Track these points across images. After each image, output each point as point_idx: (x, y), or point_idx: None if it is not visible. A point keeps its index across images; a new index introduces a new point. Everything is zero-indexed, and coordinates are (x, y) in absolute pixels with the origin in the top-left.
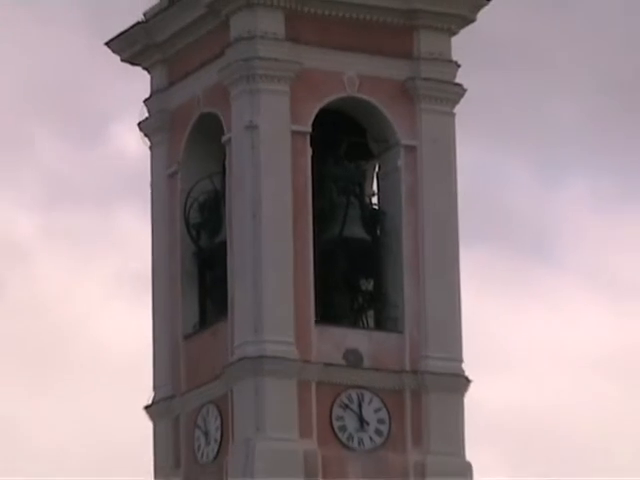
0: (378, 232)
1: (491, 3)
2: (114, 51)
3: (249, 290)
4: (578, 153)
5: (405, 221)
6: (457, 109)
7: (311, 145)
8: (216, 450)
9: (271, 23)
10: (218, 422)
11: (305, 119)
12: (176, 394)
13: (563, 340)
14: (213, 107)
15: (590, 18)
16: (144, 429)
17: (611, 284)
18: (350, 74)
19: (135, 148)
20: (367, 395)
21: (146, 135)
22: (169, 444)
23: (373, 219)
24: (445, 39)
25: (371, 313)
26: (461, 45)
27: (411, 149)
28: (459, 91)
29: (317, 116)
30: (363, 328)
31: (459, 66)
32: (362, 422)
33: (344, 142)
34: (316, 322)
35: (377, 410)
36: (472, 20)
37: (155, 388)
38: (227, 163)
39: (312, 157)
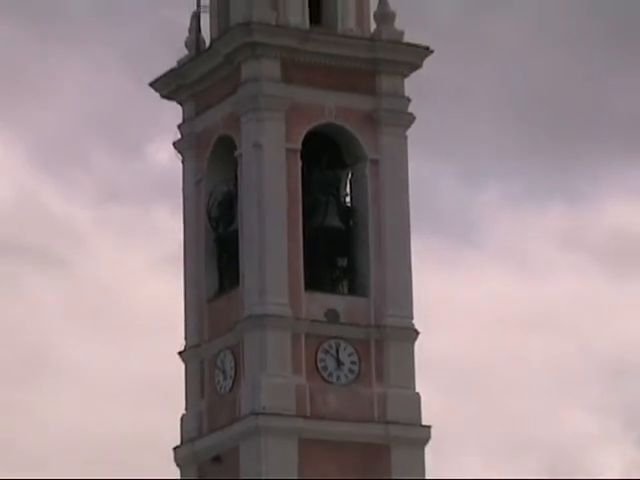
0: (350, 223)
1: (433, 54)
2: (155, 89)
3: (255, 266)
4: (493, 165)
5: (370, 215)
6: (409, 132)
7: (301, 158)
8: (231, 384)
9: (271, 69)
10: (232, 363)
11: (296, 139)
12: (201, 343)
13: (482, 302)
14: (228, 130)
15: (500, 63)
16: (178, 369)
17: (519, 261)
18: (329, 106)
19: (168, 161)
20: (342, 343)
21: (179, 152)
22: (196, 380)
23: (346, 213)
24: (400, 80)
25: (345, 282)
26: (411, 84)
27: (375, 162)
28: (410, 119)
29: (305, 137)
30: (339, 294)
31: (410, 100)
32: (339, 363)
33: (325, 156)
34: (305, 289)
35: (350, 354)
36: (419, 66)
37: (186, 338)
38: (239, 172)
39: (302, 167)
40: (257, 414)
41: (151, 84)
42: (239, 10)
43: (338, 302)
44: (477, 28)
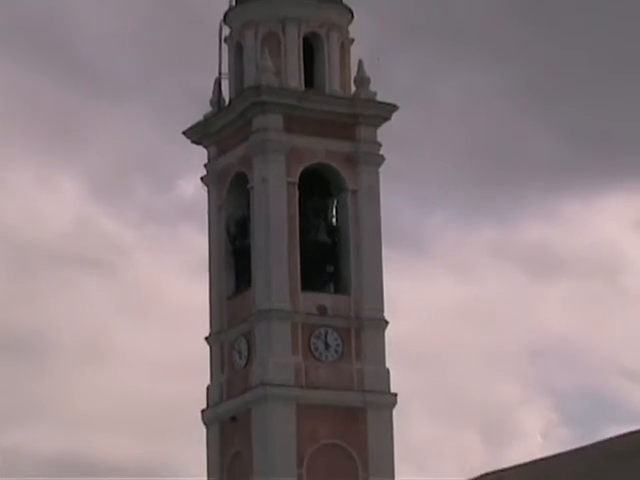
0: (336, 239)
1: (399, 110)
2: (187, 137)
3: (263, 271)
4: (441, 194)
5: (351, 232)
6: (380, 170)
7: (298, 190)
8: (245, 362)
9: (275, 122)
10: (246, 346)
11: (294, 175)
12: (222, 331)
13: (434, 299)
14: (243, 168)
15: (450, 117)
16: (205, 350)
17: (460, 268)
18: (320, 149)
19: (196, 192)
20: (330, 331)
21: (205, 184)
22: (218, 359)
23: (333, 231)
24: (373, 130)
25: (332, 284)
26: (383, 133)
27: (354, 192)
28: (381, 160)
29: (301, 173)
30: (328, 293)
31: (381, 145)
32: (327, 346)
33: (317, 188)
34: (301, 289)
35: (335, 339)
36: (389, 119)
37: (210, 327)
38: (251, 200)
39: (299, 197)
40: (265, 385)
41: (183, 132)
42: (251, 76)
43: (327, 299)
44: (433, 89)
